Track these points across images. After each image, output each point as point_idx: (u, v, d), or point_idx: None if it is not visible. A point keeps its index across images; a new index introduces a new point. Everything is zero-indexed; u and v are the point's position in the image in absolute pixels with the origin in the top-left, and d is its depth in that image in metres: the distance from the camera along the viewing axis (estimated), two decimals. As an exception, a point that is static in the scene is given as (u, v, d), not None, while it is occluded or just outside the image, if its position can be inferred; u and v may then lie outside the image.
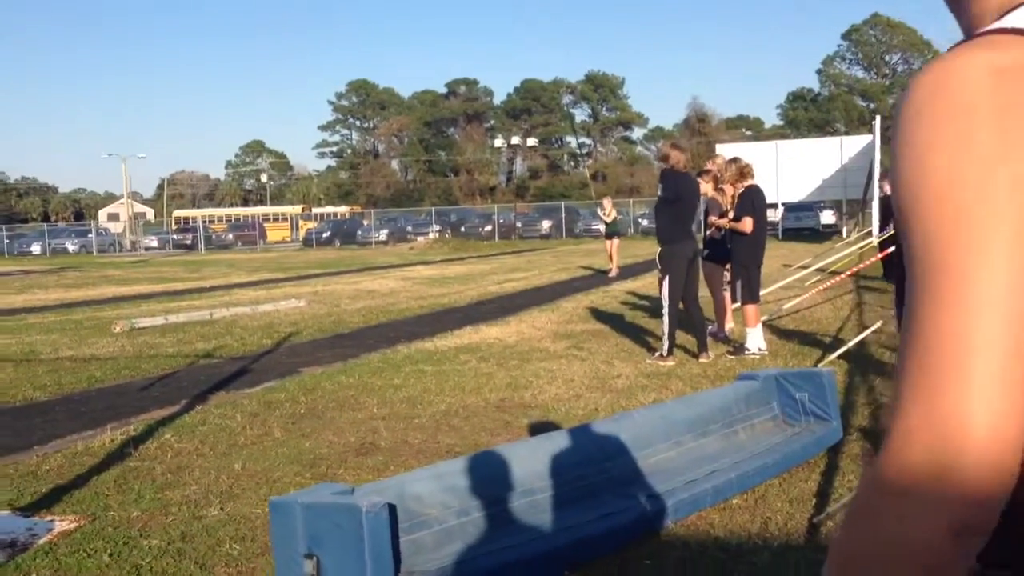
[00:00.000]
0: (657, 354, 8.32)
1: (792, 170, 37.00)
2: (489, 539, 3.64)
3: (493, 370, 8.17)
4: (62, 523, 4.36)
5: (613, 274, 19.68)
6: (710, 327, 9.57)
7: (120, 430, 6.27)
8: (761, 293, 10.92)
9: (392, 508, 3.30)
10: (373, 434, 5.97)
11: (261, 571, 3.69)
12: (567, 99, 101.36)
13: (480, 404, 6.80)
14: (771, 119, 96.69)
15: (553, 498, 3.97)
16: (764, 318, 10.01)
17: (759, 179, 8.50)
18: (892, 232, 11.00)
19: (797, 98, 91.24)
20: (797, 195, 38.45)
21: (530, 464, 4.01)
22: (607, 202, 21.66)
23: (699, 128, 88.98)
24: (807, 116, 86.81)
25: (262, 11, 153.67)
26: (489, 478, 3.85)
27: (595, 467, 4.21)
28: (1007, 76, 0.68)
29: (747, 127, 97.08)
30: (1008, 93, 0.67)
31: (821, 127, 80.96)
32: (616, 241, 20.86)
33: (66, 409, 7.21)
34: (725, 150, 37.86)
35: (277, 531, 3.30)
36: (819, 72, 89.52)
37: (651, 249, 8.27)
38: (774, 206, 38.98)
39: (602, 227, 22.15)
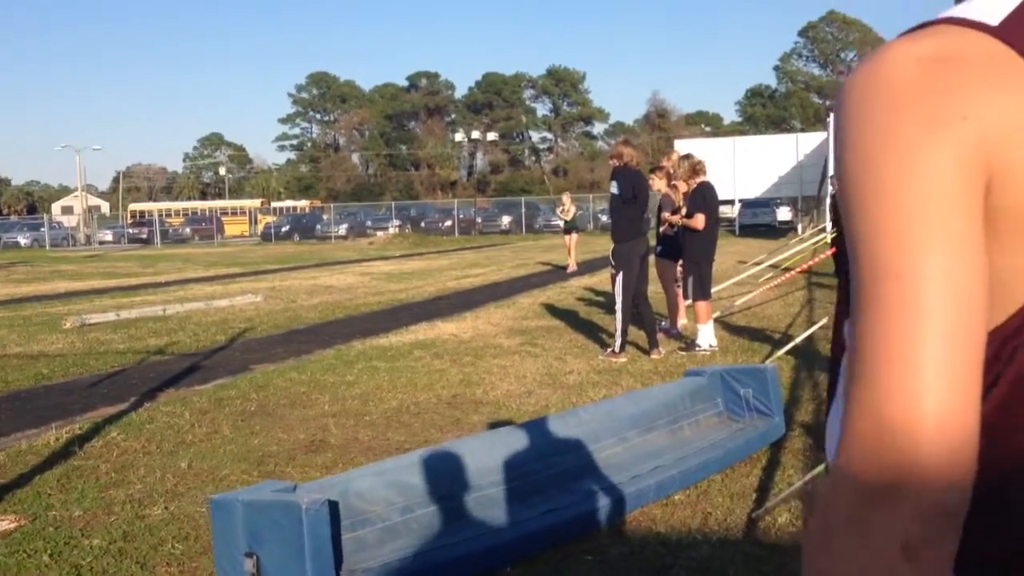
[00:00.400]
0: (609, 350, 8.39)
1: (749, 166, 37.44)
2: (433, 535, 3.66)
3: (446, 366, 8.19)
4: (1, 523, 4.31)
5: (571, 270, 19.77)
6: (663, 323, 9.67)
7: (65, 428, 6.20)
8: (714, 290, 11.05)
9: (333, 505, 3.31)
10: (323, 431, 5.97)
11: (203, 570, 3.68)
12: (528, 93, 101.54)
13: (432, 401, 6.82)
14: (730, 115, 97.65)
15: (498, 494, 4.00)
16: (716, 314, 10.12)
17: (717, 176, 8.60)
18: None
19: (755, 94, 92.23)
20: (754, 191, 38.91)
21: (476, 460, 4.04)
22: (566, 198, 21.73)
23: (659, 124, 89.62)
24: (764, 112, 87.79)
25: (222, 1, 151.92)
26: (434, 475, 3.87)
27: (542, 463, 4.25)
28: (929, 64, 0.68)
29: (706, 123, 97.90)
30: (929, 80, 0.67)
31: (778, 124, 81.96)
32: (574, 236, 20.98)
33: (11, 407, 7.11)
34: (684, 146, 38.16)
35: (218, 529, 3.30)
36: (776, 69, 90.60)
37: (609, 245, 8.33)
38: (731, 202, 39.42)
39: (561, 223, 22.39)
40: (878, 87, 0.69)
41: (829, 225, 18.78)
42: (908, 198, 0.66)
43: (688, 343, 8.74)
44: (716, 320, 9.95)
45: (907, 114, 0.67)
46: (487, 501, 3.92)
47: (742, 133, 65.92)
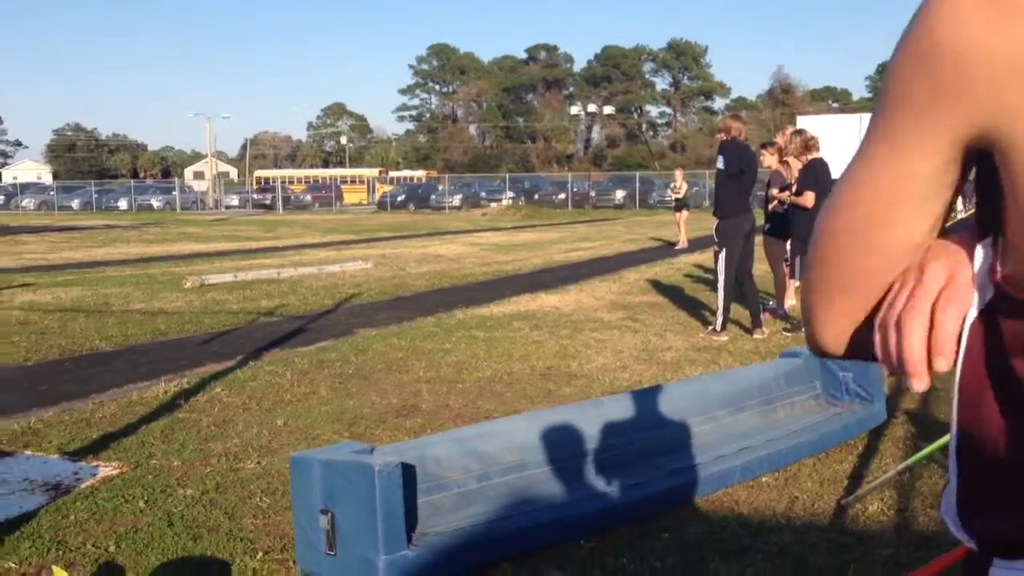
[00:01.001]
0: (711, 328, 8.23)
1: (876, 145, 35.97)
2: (508, 504, 3.67)
3: (544, 338, 8.18)
4: (106, 469, 4.53)
5: (682, 246, 19.46)
6: (769, 303, 9.43)
7: (174, 382, 6.48)
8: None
9: (408, 468, 3.35)
10: (415, 397, 6.05)
11: (286, 524, 3.78)
12: (648, 67, 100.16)
13: (525, 371, 6.83)
14: (860, 91, 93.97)
15: (576, 466, 3.98)
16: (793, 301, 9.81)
17: (842, 154, 8.27)
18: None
19: (885, 69, 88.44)
20: (880, 171, 37.40)
21: (556, 432, 4.01)
22: (678, 174, 21.37)
23: (783, 99, 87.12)
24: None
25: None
26: (512, 444, 3.87)
27: (624, 438, 4.19)
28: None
29: (834, 99, 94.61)
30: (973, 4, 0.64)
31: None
32: (685, 214, 20.63)
33: (127, 360, 7.47)
34: (806, 122, 36.97)
35: (296, 486, 3.38)
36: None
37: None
38: (855, 181, 38.01)
39: (673, 199, 22.01)
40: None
41: (960, 204, 17.91)
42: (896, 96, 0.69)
43: (794, 324, 8.49)
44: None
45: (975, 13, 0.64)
46: (565, 473, 3.89)
47: (872, 110, 63.37)
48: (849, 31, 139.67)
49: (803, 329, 0.83)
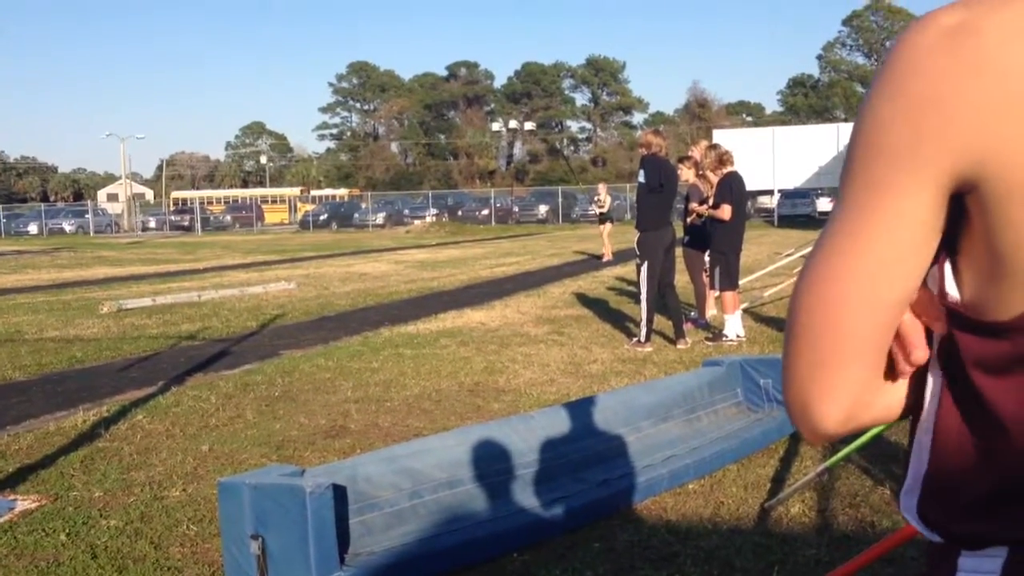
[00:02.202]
0: (635, 340, 8.36)
1: (789, 157, 36.97)
2: (440, 521, 3.68)
3: (471, 354, 8.21)
4: (24, 502, 4.41)
5: (607, 259, 19.70)
6: (691, 314, 9.62)
7: (93, 411, 6.32)
8: (747, 279, 10.98)
9: (339, 489, 3.34)
10: (344, 417, 6.02)
11: (215, 551, 3.73)
12: (568, 83, 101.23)
13: (454, 388, 6.84)
14: (772, 105, 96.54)
15: (507, 481, 4.01)
16: (745, 305, 10.04)
17: (756, 166, 8.50)
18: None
19: (797, 84, 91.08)
20: (794, 182, 38.43)
21: (486, 447, 4.05)
22: (602, 188, 21.72)
23: (699, 113, 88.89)
24: (807, 103, 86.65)
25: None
26: (443, 461, 3.89)
27: (552, 451, 4.25)
28: (950, 35, 0.66)
29: (748, 112, 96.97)
30: (947, 52, 0.66)
31: (821, 113, 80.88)
32: (609, 226, 20.95)
33: (43, 390, 7.26)
34: (722, 136, 37.82)
35: (225, 512, 3.34)
36: (819, 58, 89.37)
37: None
38: (771, 193, 39.03)
39: (597, 212, 22.39)
40: (903, 49, 0.69)
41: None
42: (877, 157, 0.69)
43: (715, 333, 8.67)
44: (746, 311, 9.87)
45: (916, 82, 0.67)
46: (495, 488, 3.93)
47: (784, 123, 65.32)
48: (761, 47, 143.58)
49: (798, 420, 0.77)
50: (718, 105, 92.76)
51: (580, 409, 4.64)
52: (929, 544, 0.78)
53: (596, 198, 21.76)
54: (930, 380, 0.76)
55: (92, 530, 4.03)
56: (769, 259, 16.92)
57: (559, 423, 4.42)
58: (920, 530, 0.78)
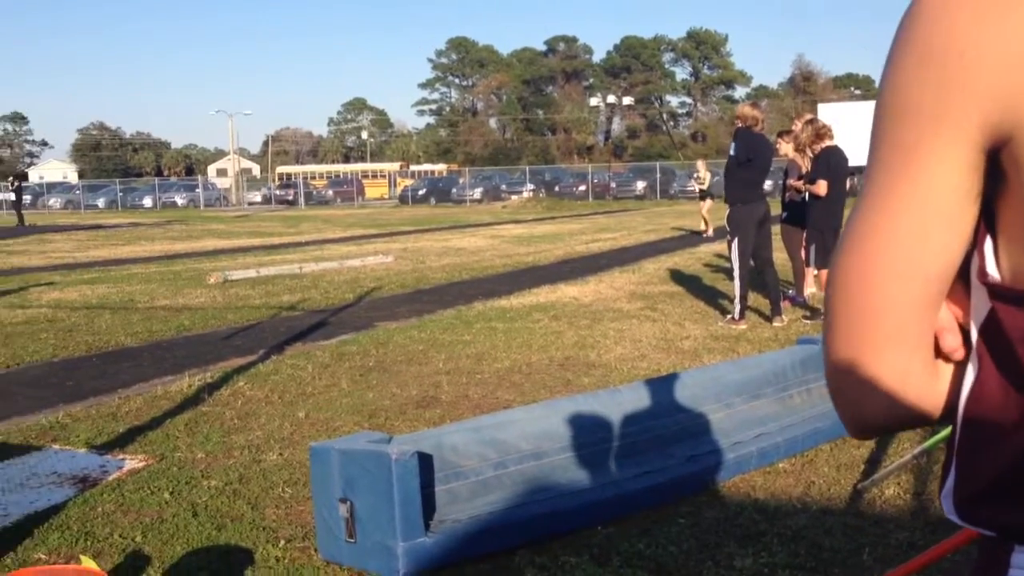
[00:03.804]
0: (729, 317, 8.24)
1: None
2: (524, 492, 3.71)
3: (563, 329, 8.22)
4: (132, 462, 4.63)
5: (708, 234, 19.39)
6: (789, 291, 9.41)
7: (198, 376, 6.57)
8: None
9: (424, 457, 3.40)
10: (435, 388, 6.11)
11: (308, 513, 3.85)
12: (668, 57, 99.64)
13: (544, 362, 6.87)
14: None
15: (594, 454, 4.02)
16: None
17: (862, 140, 8.24)
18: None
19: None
20: (903, 157, 37.05)
21: (573, 420, 4.06)
22: (701, 165, 21.43)
23: (804, 87, 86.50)
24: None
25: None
26: (529, 432, 3.92)
27: (639, 425, 4.23)
28: None
29: (856, 86, 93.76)
30: (966, 1, 0.63)
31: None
32: (709, 203, 20.57)
33: (152, 355, 7.58)
34: (828, 110, 36.69)
35: (316, 475, 3.45)
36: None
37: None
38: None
39: (696, 190, 22.06)
40: (917, 2, 0.66)
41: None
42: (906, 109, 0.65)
43: (813, 312, 8.48)
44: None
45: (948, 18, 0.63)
46: (581, 460, 3.94)
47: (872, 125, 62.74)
48: (871, 18, 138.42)
49: (840, 412, 0.73)
50: (824, 78, 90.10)
51: (668, 384, 4.61)
52: (982, 539, 0.73)
53: (696, 175, 21.43)
54: (969, 370, 0.70)
55: (194, 489, 4.21)
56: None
57: (647, 397, 4.40)
58: (965, 525, 0.72)
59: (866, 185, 0.69)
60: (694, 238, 19.30)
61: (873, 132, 0.69)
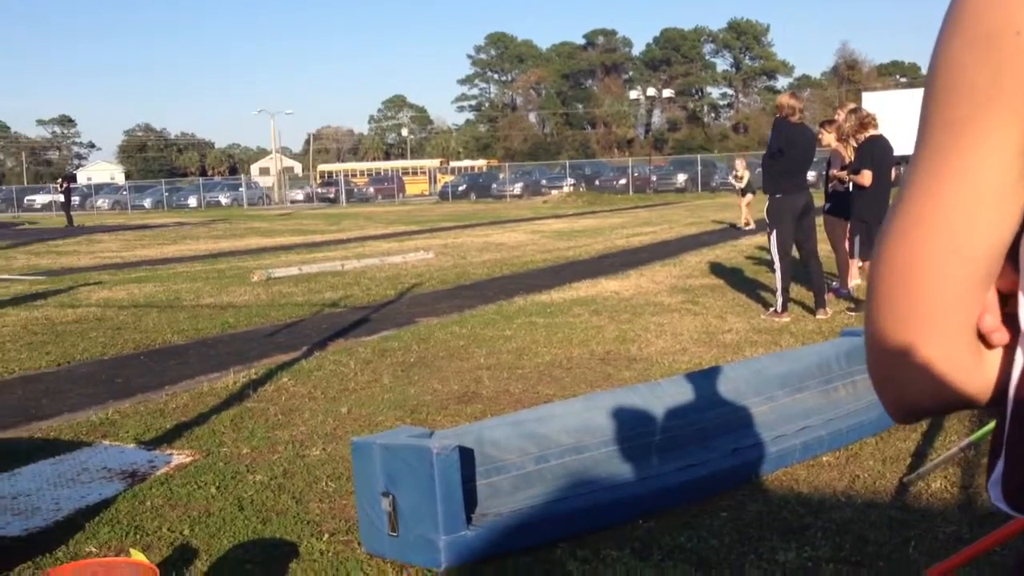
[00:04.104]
0: (772, 310, 8.16)
1: (945, 119, 34.97)
2: (565, 485, 3.72)
3: (604, 323, 8.21)
4: (179, 457, 4.70)
5: (749, 227, 19.19)
6: (833, 283, 9.30)
7: (243, 373, 6.66)
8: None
9: (466, 451, 3.43)
10: (476, 383, 6.14)
11: (351, 507, 3.89)
12: (708, 48, 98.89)
13: (585, 356, 6.87)
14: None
15: (635, 448, 4.01)
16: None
17: (908, 129, 8.11)
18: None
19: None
20: (950, 145, 36.39)
21: (614, 414, 4.06)
22: (739, 163, 21.12)
23: (848, 76, 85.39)
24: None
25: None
26: (569, 427, 3.92)
27: (680, 419, 4.22)
28: None
29: (902, 73, 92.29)
30: None
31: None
32: (750, 197, 20.30)
33: (198, 352, 7.70)
34: (873, 99, 36.14)
35: (358, 470, 3.48)
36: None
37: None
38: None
39: (736, 186, 21.69)
40: None
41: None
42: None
43: (858, 304, 8.37)
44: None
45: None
46: (621, 454, 3.94)
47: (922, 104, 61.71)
48: (917, 3, 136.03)
49: (883, 395, 0.71)
50: (869, 66, 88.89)
51: (710, 377, 4.58)
52: None
53: (734, 173, 21.11)
54: (1018, 355, 0.68)
55: (239, 484, 4.27)
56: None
57: (688, 391, 4.38)
58: (1014, 513, 0.70)
59: (913, 165, 0.68)
60: (735, 231, 19.14)
61: (922, 113, 0.68)
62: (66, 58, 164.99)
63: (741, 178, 20.36)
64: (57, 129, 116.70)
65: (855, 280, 9.25)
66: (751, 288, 10.03)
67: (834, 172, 8.74)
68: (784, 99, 7.97)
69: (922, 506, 3.71)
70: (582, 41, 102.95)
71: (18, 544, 3.66)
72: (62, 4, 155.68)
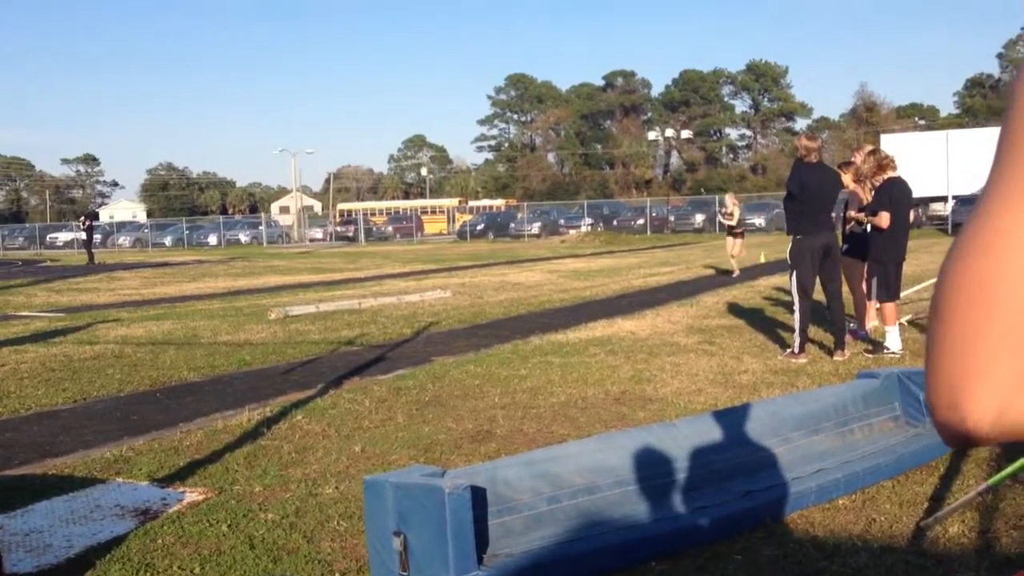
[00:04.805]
0: (789, 351, 8.12)
1: (964, 161, 34.95)
2: (578, 526, 3.69)
3: (619, 363, 8.18)
4: (192, 494, 4.70)
5: (736, 274, 17.86)
6: (851, 324, 9.25)
7: (257, 410, 6.67)
8: (915, 290, 10.47)
9: (478, 491, 3.41)
10: (491, 422, 6.12)
11: (363, 547, 3.87)
12: (727, 90, 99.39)
13: (600, 396, 6.84)
14: (947, 107, 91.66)
15: (648, 489, 3.98)
16: (909, 317, 9.60)
17: (929, 171, 8.11)
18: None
19: (975, 84, 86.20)
20: (969, 187, 36.27)
21: (626, 454, 4.03)
22: (729, 199, 19.21)
23: (867, 118, 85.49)
24: (986, 104, 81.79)
25: (423, 7, 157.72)
26: (582, 467, 3.90)
27: (694, 460, 4.19)
28: None
29: (920, 116, 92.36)
30: None
31: (1000, 115, 76.11)
32: (739, 243, 18.67)
33: (214, 390, 7.72)
34: (891, 141, 36.19)
35: (370, 509, 3.47)
36: (1000, 56, 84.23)
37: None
38: (944, 199, 37.02)
39: (725, 224, 19.19)
40: None
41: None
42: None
43: (875, 345, 8.31)
44: (911, 323, 9.45)
45: None
46: (635, 495, 3.91)
47: (960, 126, 62.00)
48: (935, 46, 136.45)
49: (941, 421, 0.68)
50: (888, 108, 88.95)
51: (725, 418, 4.55)
52: None
53: (723, 210, 18.97)
54: None
55: (251, 522, 4.26)
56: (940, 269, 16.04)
57: (702, 432, 4.35)
58: None
59: (994, 181, 0.67)
60: (753, 270, 19.06)
61: (1002, 133, 0.68)
62: (91, 98, 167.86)
63: (731, 215, 18.48)
64: (81, 168, 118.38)
65: (872, 322, 9.20)
66: (768, 329, 9.98)
67: (851, 214, 8.73)
68: (800, 140, 8.00)
69: (939, 551, 3.66)
70: (601, 82, 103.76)
71: (29, 580, 3.65)
72: (87, 39, 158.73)
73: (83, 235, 37.45)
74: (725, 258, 20.29)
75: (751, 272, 18.81)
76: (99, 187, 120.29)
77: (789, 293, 8.17)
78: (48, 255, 46.58)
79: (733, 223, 18.52)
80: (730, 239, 18.71)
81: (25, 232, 65.22)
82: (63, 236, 58.83)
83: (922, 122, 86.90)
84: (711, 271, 20.07)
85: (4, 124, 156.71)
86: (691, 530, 3.80)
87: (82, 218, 39.62)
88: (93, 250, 36.18)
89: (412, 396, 7.05)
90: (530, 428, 5.95)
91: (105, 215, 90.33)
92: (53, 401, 7.38)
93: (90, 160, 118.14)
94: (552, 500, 3.75)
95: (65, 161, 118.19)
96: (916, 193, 8.31)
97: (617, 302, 14.02)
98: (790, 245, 7.95)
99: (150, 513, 4.42)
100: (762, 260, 19.95)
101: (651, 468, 4.04)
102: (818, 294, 8.27)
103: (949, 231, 35.67)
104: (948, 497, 4.26)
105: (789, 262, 7.97)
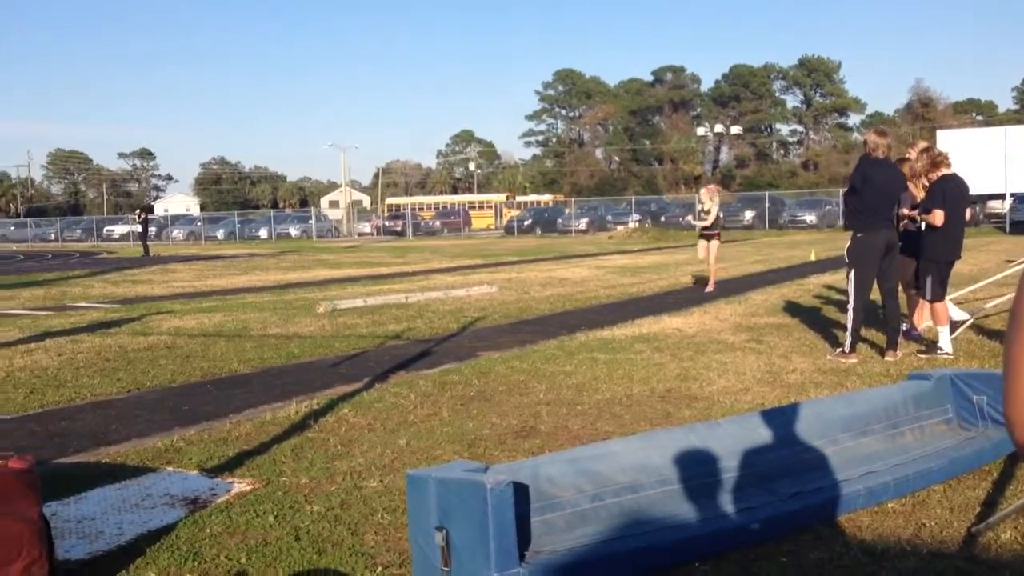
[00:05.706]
0: (839, 350, 7.99)
1: (1023, 157, 34.14)
2: (621, 525, 3.68)
3: (665, 360, 8.13)
4: (240, 485, 4.77)
5: (709, 289, 14.57)
6: (903, 325, 9.09)
7: (305, 403, 6.74)
8: (971, 289, 10.26)
9: (520, 487, 3.40)
10: (535, 418, 6.12)
11: (406, 540, 3.89)
12: (778, 85, 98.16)
13: (645, 394, 6.80)
14: (1006, 103, 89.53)
15: (692, 489, 3.95)
16: (967, 316, 9.40)
17: (986, 168, 7.95)
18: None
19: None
20: (1029, 184, 35.45)
21: (670, 453, 4.00)
22: (705, 193, 15.40)
23: (922, 113, 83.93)
24: (1047, 98, 79.72)
25: (472, 3, 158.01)
26: (626, 465, 3.88)
27: (739, 460, 4.15)
28: None
29: (978, 111, 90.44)
30: None
31: (1062, 110, 74.18)
32: (715, 244, 14.97)
33: (263, 382, 7.82)
34: (947, 137, 35.49)
35: (412, 503, 3.49)
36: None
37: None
38: (1002, 197, 36.21)
39: (697, 226, 15.38)
40: None
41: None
42: None
43: (929, 346, 8.16)
44: (967, 323, 9.26)
45: None
46: (678, 495, 3.88)
47: (1019, 122, 60.55)
48: (995, 41, 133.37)
49: (1016, 431, 0.70)
50: (944, 104, 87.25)
51: (771, 418, 4.50)
52: None
53: (699, 208, 15.27)
54: None
55: (297, 514, 4.31)
56: (997, 267, 15.71)
57: (748, 432, 4.31)
58: None
59: None
60: (803, 268, 18.80)
61: None
62: (148, 93, 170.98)
63: (707, 212, 14.93)
64: (137, 162, 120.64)
65: (926, 322, 9.02)
66: (818, 327, 9.85)
67: (903, 211, 8.57)
68: (867, 135, 7.85)
69: (990, 557, 3.58)
70: (650, 78, 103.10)
71: (82, 567, 3.74)
72: (143, 37, 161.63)
73: (139, 228, 38.17)
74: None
75: (801, 270, 18.55)
76: (154, 181, 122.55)
77: (841, 291, 8.04)
78: (104, 247, 47.57)
79: (708, 223, 14.96)
80: (702, 242, 15.14)
81: (83, 224, 66.66)
82: (119, 229, 60.08)
83: (979, 118, 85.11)
84: (759, 267, 19.83)
85: (64, 119, 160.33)
86: (736, 531, 3.77)
87: (138, 211, 40.40)
88: (148, 243, 36.86)
89: (457, 391, 7.07)
90: (574, 425, 5.93)
91: (160, 208, 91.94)
92: (107, 390, 7.53)
93: (146, 154, 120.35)
94: (595, 498, 3.73)
95: (121, 155, 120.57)
96: (973, 190, 8.15)
97: (664, 298, 13.93)
98: (849, 242, 7.81)
99: (199, 502, 4.49)
100: (812, 258, 19.66)
101: (695, 467, 4.00)
102: (871, 293, 8.13)
103: (1007, 229, 34.88)
104: (1001, 502, 4.17)
105: (847, 259, 7.83)
